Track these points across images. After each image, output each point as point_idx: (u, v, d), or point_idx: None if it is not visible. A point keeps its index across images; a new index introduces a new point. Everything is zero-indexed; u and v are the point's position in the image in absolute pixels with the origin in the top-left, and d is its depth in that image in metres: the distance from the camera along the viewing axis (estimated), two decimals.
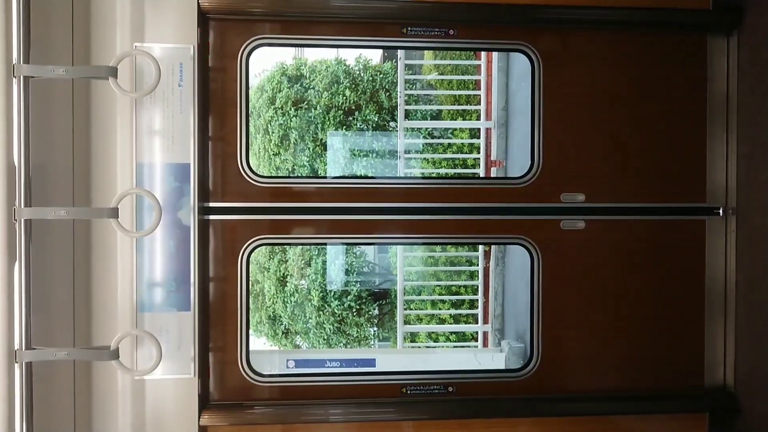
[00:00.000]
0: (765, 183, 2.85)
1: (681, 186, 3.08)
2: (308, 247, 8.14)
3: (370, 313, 8.60)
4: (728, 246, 3.06)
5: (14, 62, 2.27)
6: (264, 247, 2.93)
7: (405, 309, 7.50)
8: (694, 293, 3.09)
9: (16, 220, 2.27)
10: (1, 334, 2.24)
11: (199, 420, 2.75)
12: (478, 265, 7.63)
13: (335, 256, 8.58)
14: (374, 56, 8.72)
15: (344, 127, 8.28)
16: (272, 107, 8.29)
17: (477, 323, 7.77)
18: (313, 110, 8.29)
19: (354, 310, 8.45)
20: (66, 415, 2.63)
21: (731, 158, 3.05)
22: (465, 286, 7.99)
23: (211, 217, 2.89)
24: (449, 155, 8.11)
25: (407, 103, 7.73)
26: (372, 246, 8.80)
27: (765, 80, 2.86)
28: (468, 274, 8.04)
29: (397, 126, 7.83)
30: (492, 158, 7.61)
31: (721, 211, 3.06)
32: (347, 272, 8.66)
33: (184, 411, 2.73)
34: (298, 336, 8.77)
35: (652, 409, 3.00)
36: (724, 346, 3.06)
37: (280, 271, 8.54)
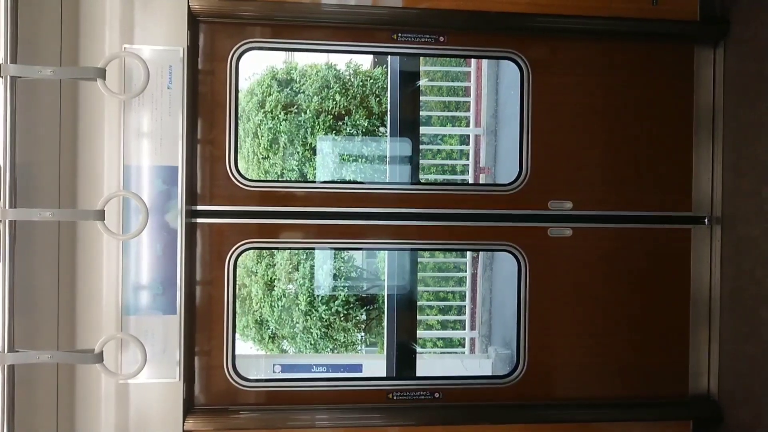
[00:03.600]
0: (750, 192, 2.88)
1: (667, 195, 3.11)
2: (296, 251, 8.11)
3: (358, 318, 8.58)
4: (713, 255, 3.09)
5: (1, 62, 2.25)
6: (252, 251, 2.92)
7: None
8: (679, 301, 3.11)
9: (0, 221, 2.25)
10: None
11: (183, 424, 2.72)
12: (465, 271, 7.64)
13: (323, 261, 8.55)
14: (365, 61, 8.72)
15: (334, 131, 8.27)
16: (262, 111, 8.26)
17: (464, 329, 7.77)
18: (302, 114, 8.28)
19: (341, 315, 8.42)
20: (49, 418, 2.60)
21: (717, 168, 3.08)
22: (452, 292, 7.99)
23: (199, 220, 2.88)
24: (438, 161, 8.13)
25: None
26: (360, 251, 8.78)
27: (751, 91, 2.89)
28: (456, 280, 8.04)
29: (386, 131, 7.83)
30: (480, 165, 7.63)
31: (706, 221, 3.08)
32: (335, 277, 8.63)
33: (169, 415, 2.71)
34: (285, 340, 8.73)
35: (636, 416, 3.02)
36: (708, 354, 3.09)
37: (267, 275, 8.50)
